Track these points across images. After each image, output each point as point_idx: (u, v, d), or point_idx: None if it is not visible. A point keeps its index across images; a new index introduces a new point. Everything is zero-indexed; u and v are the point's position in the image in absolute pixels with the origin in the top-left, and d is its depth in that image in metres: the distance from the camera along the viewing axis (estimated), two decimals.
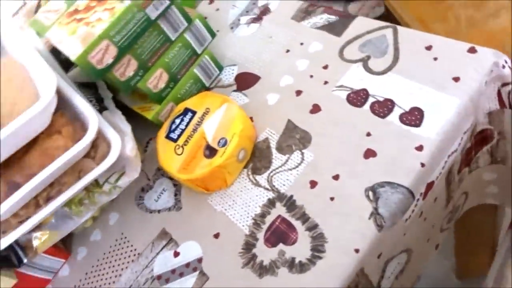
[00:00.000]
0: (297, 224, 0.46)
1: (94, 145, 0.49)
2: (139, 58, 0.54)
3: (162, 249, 0.51)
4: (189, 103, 0.57)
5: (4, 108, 0.44)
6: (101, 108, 0.55)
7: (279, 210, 0.47)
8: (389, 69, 0.52)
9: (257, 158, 0.53)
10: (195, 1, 0.78)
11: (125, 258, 0.54)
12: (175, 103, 0.59)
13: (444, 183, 0.50)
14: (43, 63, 0.47)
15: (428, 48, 0.52)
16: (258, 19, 0.67)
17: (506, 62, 0.49)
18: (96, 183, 0.53)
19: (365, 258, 0.42)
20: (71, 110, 0.49)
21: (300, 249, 0.44)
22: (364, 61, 0.54)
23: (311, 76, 0.56)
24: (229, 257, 0.47)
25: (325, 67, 0.56)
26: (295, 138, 0.52)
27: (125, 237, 0.55)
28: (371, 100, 0.51)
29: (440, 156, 0.46)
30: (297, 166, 0.50)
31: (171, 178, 0.57)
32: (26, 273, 0.56)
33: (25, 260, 0.52)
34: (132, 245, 0.54)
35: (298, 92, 0.56)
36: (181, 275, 0.48)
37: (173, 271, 0.49)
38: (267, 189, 0.50)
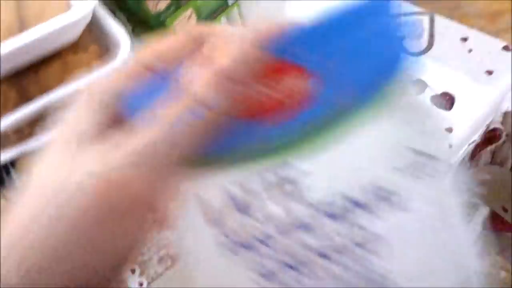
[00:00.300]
0: None
1: None
2: None
3: None
4: None
5: (34, 8, 0.40)
6: None
7: None
8: (422, 52, 0.53)
9: None
10: None
11: None
12: None
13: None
14: None
15: (464, 39, 0.53)
16: None
17: None
18: None
19: None
20: (100, 30, 0.45)
21: None
22: None
23: None
24: None
25: None
26: None
27: None
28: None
29: (464, 142, 0.47)
30: None
31: None
32: None
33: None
34: None
35: None
36: None
37: None
38: None
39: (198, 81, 0.15)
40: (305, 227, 0.14)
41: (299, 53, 0.15)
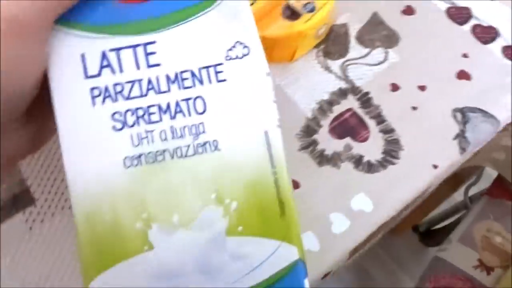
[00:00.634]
0: (370, 123, 0.41)
1: None
2: None
3: None
4: None
5: None
6: None
7: (351, 103, 0.42)
8: None
9: (331, 42, 0.46)
10: None
11: None
12: None
13: None
14: None
15: None
16: None
17: None
18: None
19: (442, 176, 0.39)
20: None
21: (370, 149, 0.40)
22: None
23: None
24: (284, 137, 0.41)
25: None
26: (380, 33, 0.46)
27: None
28: (473, 21, 0.46)
29: None
30: (378, 64, 0.44)
31: None
32: None
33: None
34: None
35: None
36: None
37: None
38: (339, 77, 0.44)
39: None
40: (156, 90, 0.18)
41: None
